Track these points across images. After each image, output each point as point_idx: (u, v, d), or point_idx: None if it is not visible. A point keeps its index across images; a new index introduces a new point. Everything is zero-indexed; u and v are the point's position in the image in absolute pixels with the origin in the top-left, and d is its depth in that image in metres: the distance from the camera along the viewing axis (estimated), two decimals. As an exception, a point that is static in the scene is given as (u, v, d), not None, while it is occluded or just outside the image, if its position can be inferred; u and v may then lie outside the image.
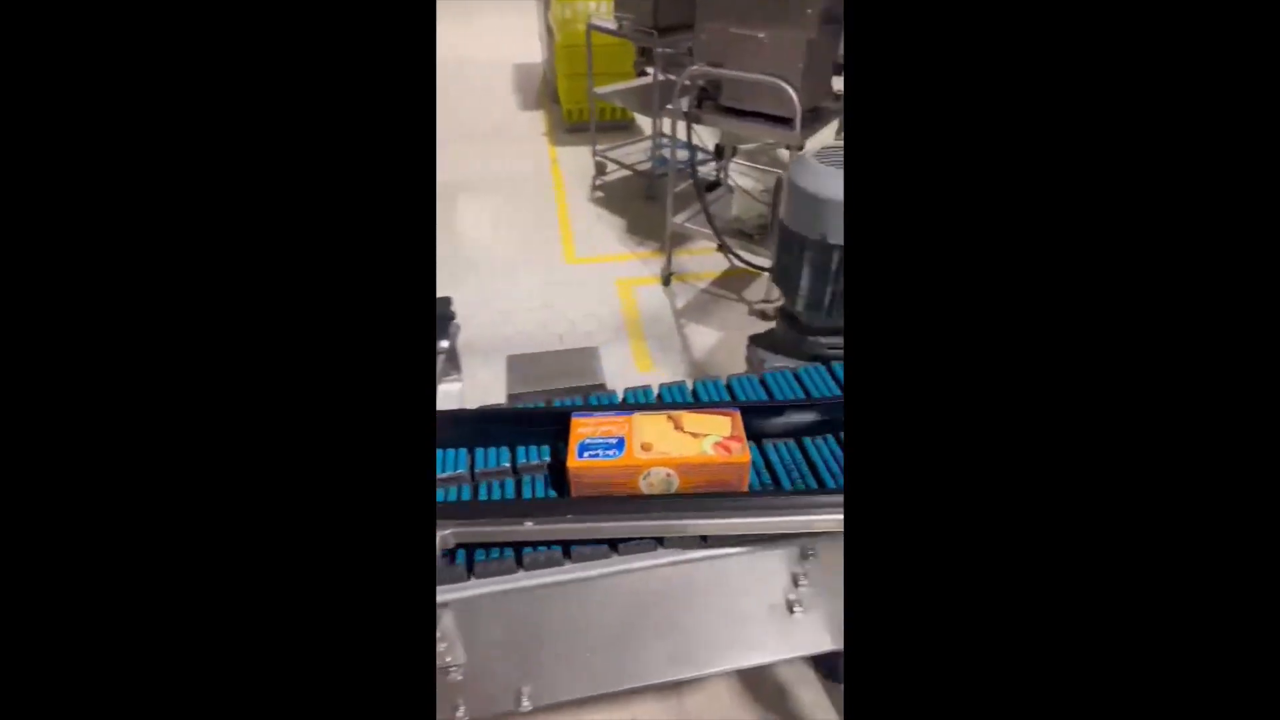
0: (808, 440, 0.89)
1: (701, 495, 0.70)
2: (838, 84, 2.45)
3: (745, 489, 0.73)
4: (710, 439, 0.73)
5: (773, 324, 2.28)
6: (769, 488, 0.80)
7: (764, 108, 2.21)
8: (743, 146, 3.36)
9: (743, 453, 0.72)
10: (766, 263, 2.46)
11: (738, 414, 0.76)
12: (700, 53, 2.28)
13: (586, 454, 0.71)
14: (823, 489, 0.79)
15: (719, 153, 2.92)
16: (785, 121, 2.17)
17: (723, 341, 2.42)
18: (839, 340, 1.05)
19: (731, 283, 2.74)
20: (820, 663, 1.34)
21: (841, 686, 1.27)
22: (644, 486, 0.70)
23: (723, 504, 0.70)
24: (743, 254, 2.53)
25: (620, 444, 0.70)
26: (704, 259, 2.79)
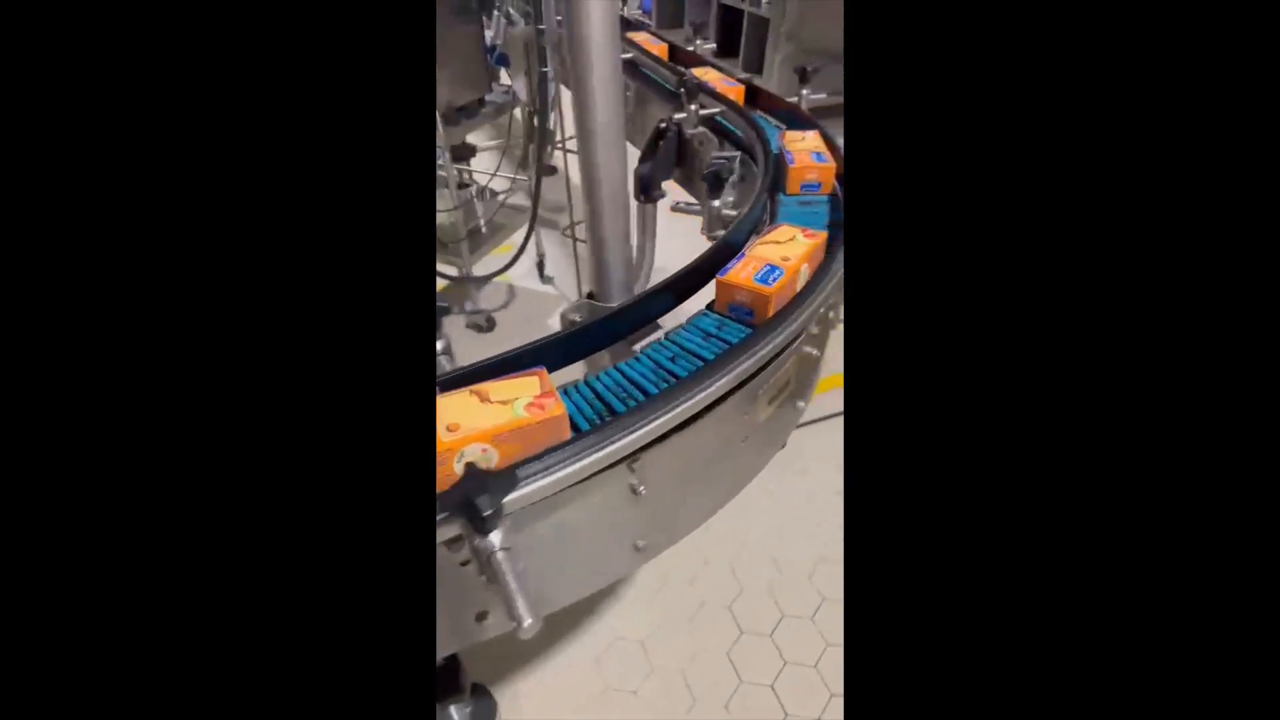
0: (624, 364, 0.89)
1: (514, 466, 0.68)
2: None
3: (568, 435, 0.72)
4: (521, 401, 0.70)
5: (489, 334, 2.34)
6: (604, 416, 0.80)
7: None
8: (484, 145, 3.14)
9: (556, 406, 0.70)
10: (455, 272, 2.41)
11: (543, 370, 0.74)
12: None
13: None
14: (648, 398, 0.80)
15: (458, 153, 2.72)
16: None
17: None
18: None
19: (446, 295, 2.74)
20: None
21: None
22: (460, 471, 0.67)
23: (545, 461, 0.69)
24: (440, 267, 2.44)
25: (426, 444, 0.66)
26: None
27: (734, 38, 4.13)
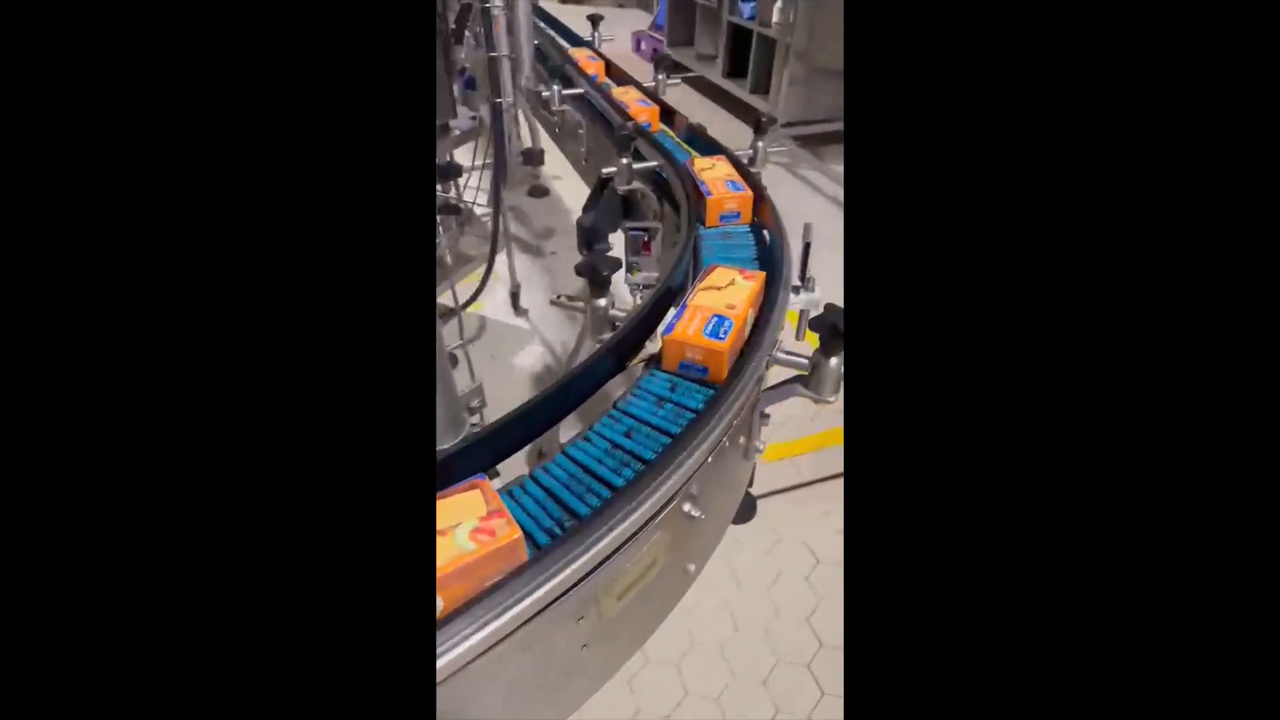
0: (573, 448, 0.76)
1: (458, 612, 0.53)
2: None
3: (525, 560, 0.59)
4: (464, 528, 0.56)
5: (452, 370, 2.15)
6: (564, 523, 0.66)
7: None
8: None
9: (509, 528, 0.56)
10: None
11: (484, 480, 0.60)
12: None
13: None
14: (613, 492, 0.68)
15: (444, 172, 2.45)
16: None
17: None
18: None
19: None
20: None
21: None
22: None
23: (494, 602, 0.55)
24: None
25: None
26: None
27: (743, 59, 4.10)
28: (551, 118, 1.96)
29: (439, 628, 0.52)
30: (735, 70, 4.31)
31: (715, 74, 4.41)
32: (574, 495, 0.69)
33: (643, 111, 1.73)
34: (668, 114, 1.80)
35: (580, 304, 1.07)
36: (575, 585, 0.61)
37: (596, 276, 0.99)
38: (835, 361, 0.87)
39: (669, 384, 0.87)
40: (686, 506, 0.75)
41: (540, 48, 2.25)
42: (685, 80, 4.58)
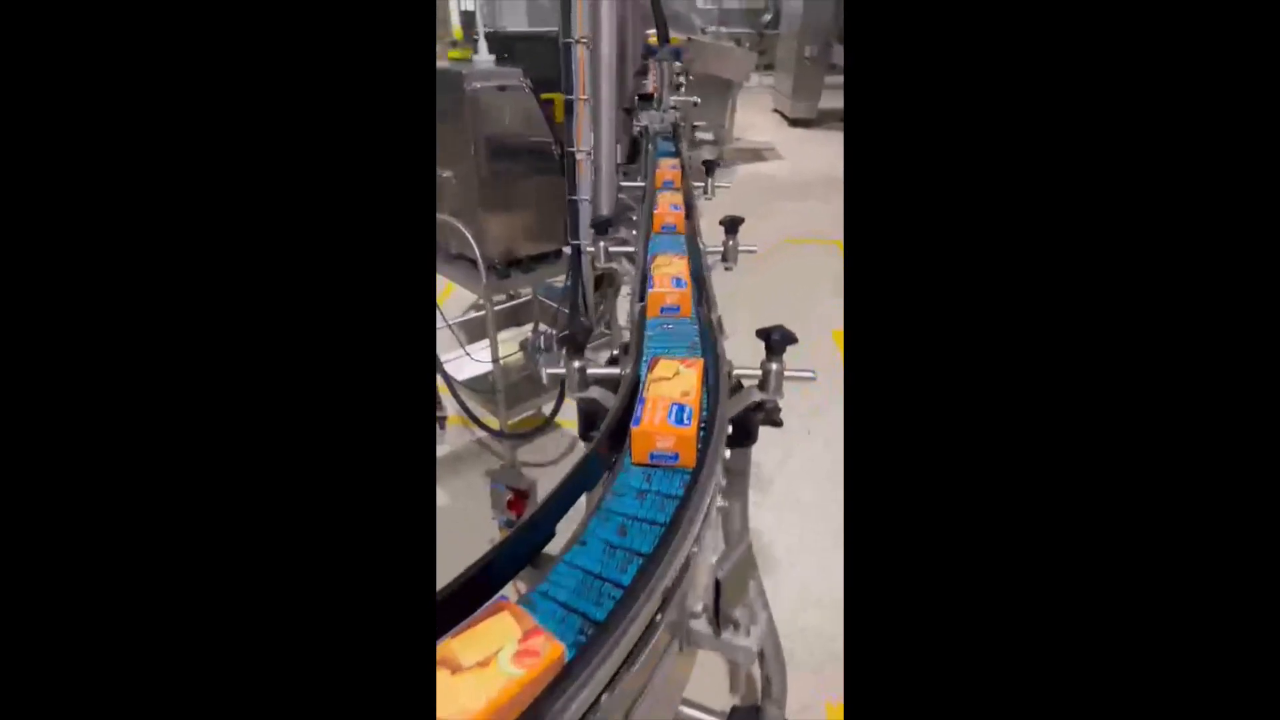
0: (570, 555, 0.78)
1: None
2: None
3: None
4: (505, 652, 0.56)
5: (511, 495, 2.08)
6: (590, 631, 0.67)
7: (465, 250, 1.98)
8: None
9: (552, 645, 0.57)
10: (495, 425, 2.22)
11: (508, 601, 0.61)
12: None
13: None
14: (625, 590, 0.70)
15: (599, 281, 2.41)
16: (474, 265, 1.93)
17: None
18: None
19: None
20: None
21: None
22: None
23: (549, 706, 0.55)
24: (474, 411, 2.24)
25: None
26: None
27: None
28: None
29: None
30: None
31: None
32: (590, 603, 0.70)
33: (669, 214, 1.94)
34: (688, 214, 1.98)
35: None
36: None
37: None
38: None
39: (645, 475, 0.92)
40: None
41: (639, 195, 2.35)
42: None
